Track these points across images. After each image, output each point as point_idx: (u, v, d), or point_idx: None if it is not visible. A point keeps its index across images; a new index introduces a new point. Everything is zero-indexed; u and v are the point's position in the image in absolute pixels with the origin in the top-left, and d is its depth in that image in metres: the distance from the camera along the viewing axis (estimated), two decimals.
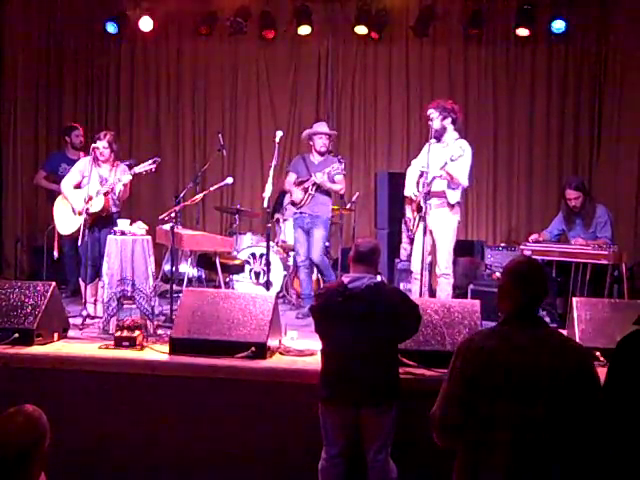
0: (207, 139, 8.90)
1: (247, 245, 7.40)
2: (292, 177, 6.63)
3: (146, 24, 8.36)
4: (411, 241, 5.87)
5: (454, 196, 5.66)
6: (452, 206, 5.68)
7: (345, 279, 3.61)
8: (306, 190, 6.40)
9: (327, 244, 6.91)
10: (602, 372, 4.13)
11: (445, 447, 2.59)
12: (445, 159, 5.43)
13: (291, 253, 7.18)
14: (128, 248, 5.11)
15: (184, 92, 9.00)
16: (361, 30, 8.32)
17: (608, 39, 8.01)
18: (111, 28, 8.49)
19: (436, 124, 5.71)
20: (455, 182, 5.57)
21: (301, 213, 6.47)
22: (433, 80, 8.63)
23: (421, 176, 5.76)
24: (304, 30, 8.40)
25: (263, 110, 8.82)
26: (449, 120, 5.72)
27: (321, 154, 6.53)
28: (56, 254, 6.14)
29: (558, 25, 7.90)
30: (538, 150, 8.43)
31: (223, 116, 8.97)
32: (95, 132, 6.51)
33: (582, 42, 8.21)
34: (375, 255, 3.69)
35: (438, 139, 5.77)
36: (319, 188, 6.40)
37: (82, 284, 5.91)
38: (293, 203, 6.58)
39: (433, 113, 5.71)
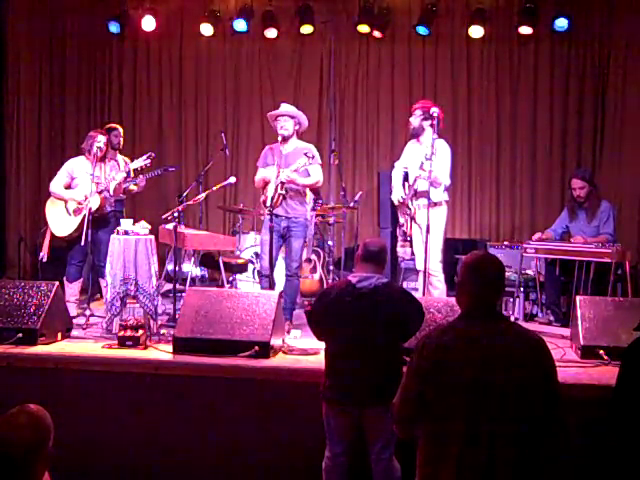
0: (210, 139, 8.90)
1: (250, 244, 7.40)
2: (262, 172, 5.83)
3: (148, 23, 8.37)
4: (410, 243, 5.92)
5: (437, 195, 5.75)
6: (437, 204, 5.75)
7: (353, 279, 3.59)
8: (275, 189, 5.53)
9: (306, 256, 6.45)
10: (604, 371, 4.18)
11: (404, 437, 2.70)
12: (421, 159, 5.55)
13: None
14: (131, 248, 5.11)
15: (187, 92, 9.01)
16: (364, 29, 8.31)
17: (611, 37, 7.99)
18: (113, 28, 8.50)
19: (415, 122, 5.87)
20: (435, 181, 5.63)
21: (275, 215, 5.54)
22: (436, 79, 8.63)
23: (405, 178, 5.96)
24: (306, 29, 8.40)
25: (265, 109, 8.72)
26: (428, 122, 5.79)
27: (285, 139, 5.71)
28: (45, 257, 6.13)
29: (561, 23, 7.88)
30: (541, 149, 8.43)
31: (225, 115, 8.98)
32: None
33: (585, 40, 8.20)
34: (384, 255, 3.69)
35: (416, 137, 5.91)
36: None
37: (66, 283, 5.90)
38: (264, 203, 5.62)
39: (417, 111, 5.85)
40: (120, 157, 6.85)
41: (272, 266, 5.58)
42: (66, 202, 5.91)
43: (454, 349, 2.51)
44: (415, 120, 5.86)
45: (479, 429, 2.44)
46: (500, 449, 2.43)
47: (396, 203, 5.97)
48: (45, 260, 6.18)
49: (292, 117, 5.75)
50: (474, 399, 2.45)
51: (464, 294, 2.66)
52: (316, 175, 5.73)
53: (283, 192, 5.55)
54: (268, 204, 5.50)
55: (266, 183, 5.69)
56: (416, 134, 5.90)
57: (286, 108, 5.83)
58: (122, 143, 7.20)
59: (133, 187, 6.80)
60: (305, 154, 5.49)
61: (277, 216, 5.57)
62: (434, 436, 2.52)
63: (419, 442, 2.61)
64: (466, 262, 2.70)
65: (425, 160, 5.49)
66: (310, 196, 6.13)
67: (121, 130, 7.19)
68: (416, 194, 5.76)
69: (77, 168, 5.94)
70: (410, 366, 2.63)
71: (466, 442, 2.44)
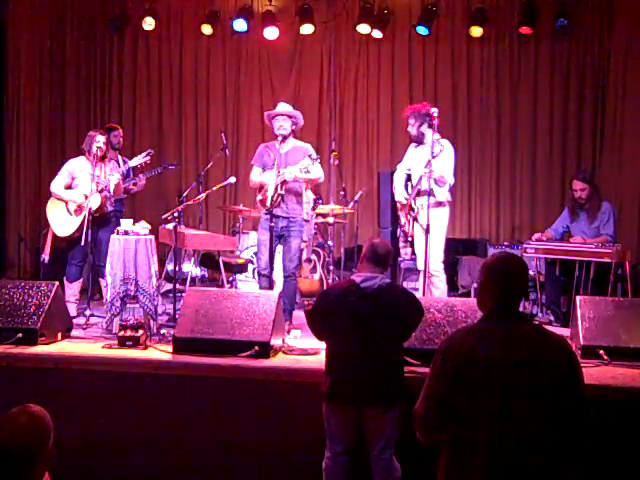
0: (210, 138, 8.91)
1: (250, 244, 7.40)
2: (257, 171, 5.82)
3: (148, 23, 8.37)
4: (411, 243, 5.93)
5: (442, 194, 5.77)
6: (441, 204, 5.77)
7: (357, 278, 3.59)
8: (275, 189, 5.51)
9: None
10: (605, 371, 4.17)
11: (426, 443, 2.59)
12: (427, 157, 5.55)
13: None
14: (131, 248, 5.11)
15: (186, 91, 9.02)
16: (363, 29, 8.32)
17: (611, 36, 8.00)
18: (114, 28, 8.50)
19: (413, 131, 5.90)
20: (440, 179, 5.66)
21: (273, 215, 5.51)
22: (436, 78, 8.64)
23: (408, 179, 5.98)
24: (306, 29, 8.41)
25: (265, 109, 8.73)
26: (425, 125, 5.81)
27: (284, 139, 5.69)
28: (47, 258, 6.13)
29: (561, 23, 7.89)
30: (541, 148, 8.43)
31: (225, 115, 8.99)
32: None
33: (585, 40, 8.21)
34: (390, 258, 3.71)
35: (418, 143, 5.92)
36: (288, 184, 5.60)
37: (66, 283, 5.90)
38: (262, 203, 5.64)
39: (410, 120, 5.87)
40: (120, 157, 6.85)
41: (272, 266, 5.58)
42: (67, 202, 5.91)
43: (479, 351, 2.46)
44: (413, 129, 5.89)
45: (505, 433, 2.39)
46: (527, 453, 2.38)
47: (404, 201, 5.94)
48: (47, 262, 6.18)
49: (290, 117, 5.74)
50: (500, 402, 2.40)
51: (486, 295, 2.60)
52: (317, 171, 5.69)
53: (282, 192, 5.52)
54: (268, 204, 5.49)
55: (263, 185, 5.69)
56: (419, 141, 5.91)
57: (284, 108, 5.83)
58: (122, 143, 7.19)
59: (132, 187, 6.81)
60: (309, 156, 5.49)
61: (275, 216, 5.54)
62: (459, 440, 2.46)
63: (442, 446, 2.54)
64: (488, 263, 2.64)
65: (432, 158, 5.49)
66: (309, 196, 6.13)
67: (121, 130, 7.18)
68: (419, 194, 5.74)
69: (78, 168, 5.93)
70: (433, 369, 2.55)
71: (492, 447, 2.39)
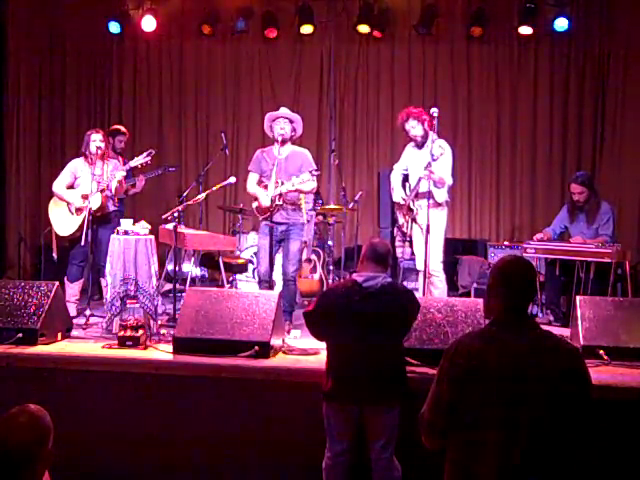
0: (210, 138, 8.91)
1: (250, 244, 7.40)
2: (254, 178, 5.87)
3: (149, 24, 8.37)
4: (410, 243, 5.93)
5: (441, 195, 5.77)
6: (440, 205, 5.77)
7: (359, 278, 3.58)
8: (272, 201, 5.56)
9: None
10: (605, 371, 4.17)
11: (432, 449, 2.56)
12: (427, 159, 5.54)
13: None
14: (131, 248, 5.11)
15: (187, 92, 9.02)
16: (363, 29, 8.32)
17: (611, 37, 8.00)
18: (114, 28, 8.50)
19: (419, 131, 5.85)
20: (440, 181, 5.65)
21: (272, 222, 5.57)
22: (436, 79, 8.64)
23: (405, 179, 5.97)
24: (306, 29, 8.41)
25: (265, 109, 8.76)
26: (426, 124, 5.82)
27: (283, 143, 5.73)
28: (55, 255, 6.14)
29: (561, 23, 7.90)
30: (541, 149, 8.43)
31: (226, 115, 8.99)
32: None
33: (585, 40, 8.21)
34: (389, 256, 3.72)
35: (423, 144, 5.87)
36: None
37: (67, 283, 5.92)
38: (258, 210, 5.71)
39: (410, 122, 5.84)
40: (120, 158, 6.85)
41: (272, 269, 5.59)
42: (68, 202, 5.91)
43: (487, 355, 2.43)
44: (418, 129, 5.84)
45: (512, 438, 2.36)
46: (534, 459, 2.36)
47: (402, 202, 5.94)
48: (56, 260, 6.18)
49: (291, 121, 5.77)
50: (507, 408, 2.38)
51: (495, 298, 2.58)
52: (311, 183, 5.64)
53: (280, 203, 5.57)
54: (263, 213, 5.58)
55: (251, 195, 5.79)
56: (424, 142, 5.87)
57: (286, 111, 5.84)
58: (124, 148, 7.16)
59: (131, 187, 6.81)
60: (310, 172, 5.49)
61: (276, 223, 5.59)
62: (465, 445, 2.44)
63: (447, 450, 2.52)
64: (497, 266, 2.62)
65: (432, 160, 5.49)
66: (309, 197, 6.12)
67: (126, 135, 7.13)
68: (417, 195, 5.76)
69: (80, 167, 5.94)
70: (440, 374, 2.52)
71: (499, 452, 2.37)
